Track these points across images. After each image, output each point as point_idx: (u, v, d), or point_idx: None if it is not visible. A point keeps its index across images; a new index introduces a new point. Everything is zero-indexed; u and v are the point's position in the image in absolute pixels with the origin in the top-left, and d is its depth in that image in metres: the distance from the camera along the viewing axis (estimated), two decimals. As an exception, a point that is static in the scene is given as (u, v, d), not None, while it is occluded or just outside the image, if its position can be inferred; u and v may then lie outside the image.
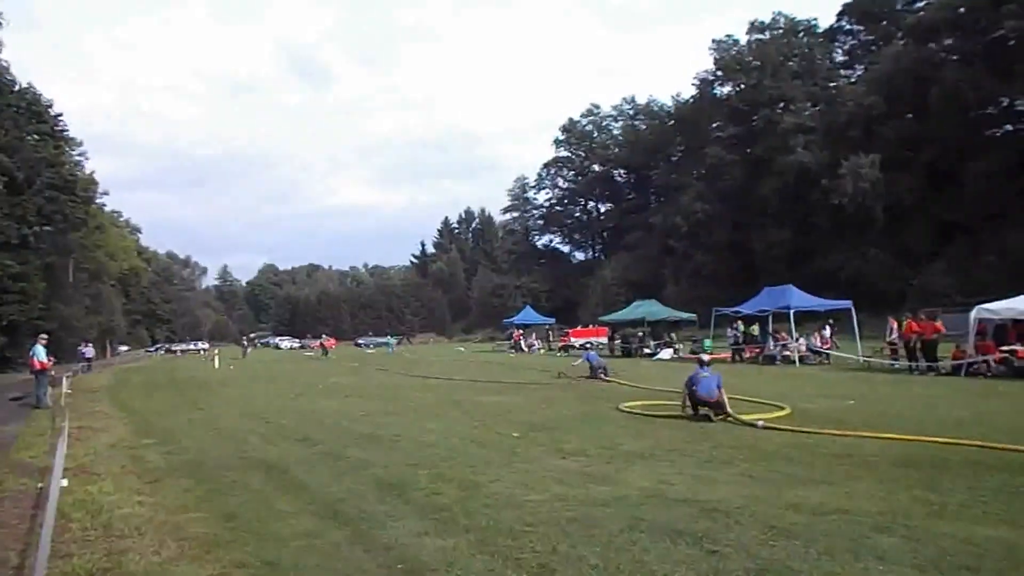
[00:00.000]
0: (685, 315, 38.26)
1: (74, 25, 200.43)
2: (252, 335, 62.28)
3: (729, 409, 10.83)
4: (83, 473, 8.28)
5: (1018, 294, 18.85)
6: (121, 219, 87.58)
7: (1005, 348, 17.54)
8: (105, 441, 10.99)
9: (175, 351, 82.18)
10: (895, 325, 22.47)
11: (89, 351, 40.26)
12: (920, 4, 54.19)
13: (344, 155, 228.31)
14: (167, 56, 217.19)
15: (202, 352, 72.38)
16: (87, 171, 56.82)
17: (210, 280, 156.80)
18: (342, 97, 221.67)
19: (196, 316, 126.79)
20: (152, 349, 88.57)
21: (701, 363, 11.72)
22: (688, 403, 11.26)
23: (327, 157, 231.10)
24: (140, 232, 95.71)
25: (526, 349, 44.11)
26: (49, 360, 17.63)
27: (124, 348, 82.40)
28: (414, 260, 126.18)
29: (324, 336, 57.30)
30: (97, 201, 59.78)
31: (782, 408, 11.53)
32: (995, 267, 39.71)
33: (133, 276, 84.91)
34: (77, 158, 55.84)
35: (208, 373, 30.88)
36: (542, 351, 43.15)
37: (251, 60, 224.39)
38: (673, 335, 34.69)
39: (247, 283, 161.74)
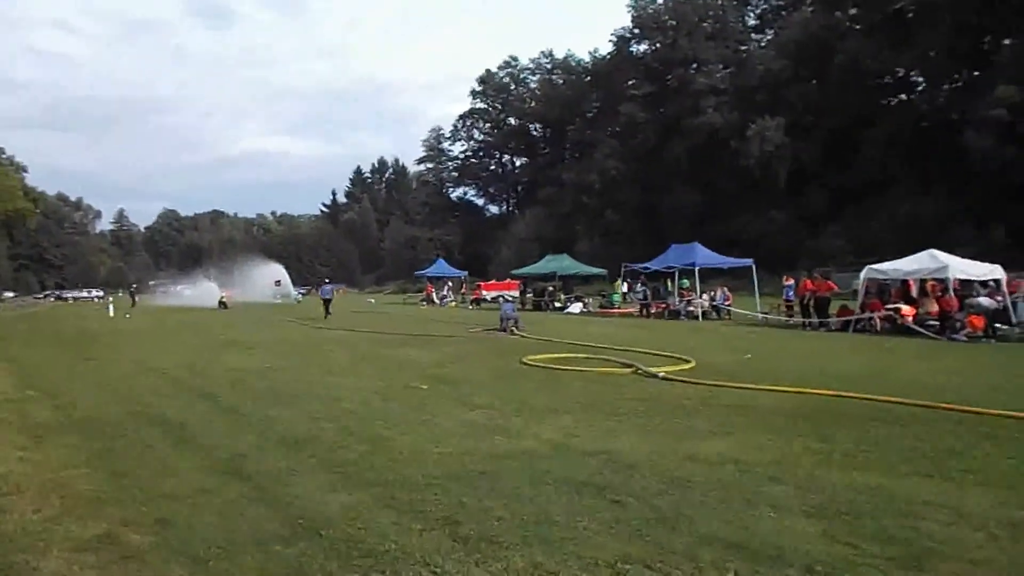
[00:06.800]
0: (595, 270, 38.96)
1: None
2: (135, 285, 59.25)
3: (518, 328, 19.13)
4: (-44, 429, 7.71)
5: (906, 255, 20.04)
6: (3, 157, 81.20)
7: (890, 306, 18.65)
8: (-17, 394, 10.28)
9: (67, 298, 77.80)
10: (792, 283, 23.58)
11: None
12: (828, -28, 55.70)
13: (250, 103, 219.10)
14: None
15: (96, 300, 68.80)
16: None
17: (105, 225, 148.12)
18: (247, 42, 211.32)
19: (89, 262, 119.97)
20: (42, 296, 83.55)
21: (505, 300, 19.81)
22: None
23: (231, 104, 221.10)
24: (26, 172, 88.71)
25: (438, 302, 43.96)
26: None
27: (10, 295, 77.46)
28: (324, 209, 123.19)
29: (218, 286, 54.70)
30: (-26, 137, 54.94)
31: (688, 361, 11.90)
32: (884, 230, 42.02)
33: (18, 218, 79.16)
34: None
35: (102, 323, 29.38)
36: (454, 304, 43.13)
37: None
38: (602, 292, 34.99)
39: (146, 228, 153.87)
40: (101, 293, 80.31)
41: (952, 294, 17.40)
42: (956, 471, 5.50)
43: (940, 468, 5.59)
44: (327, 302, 30.29)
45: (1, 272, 70.46)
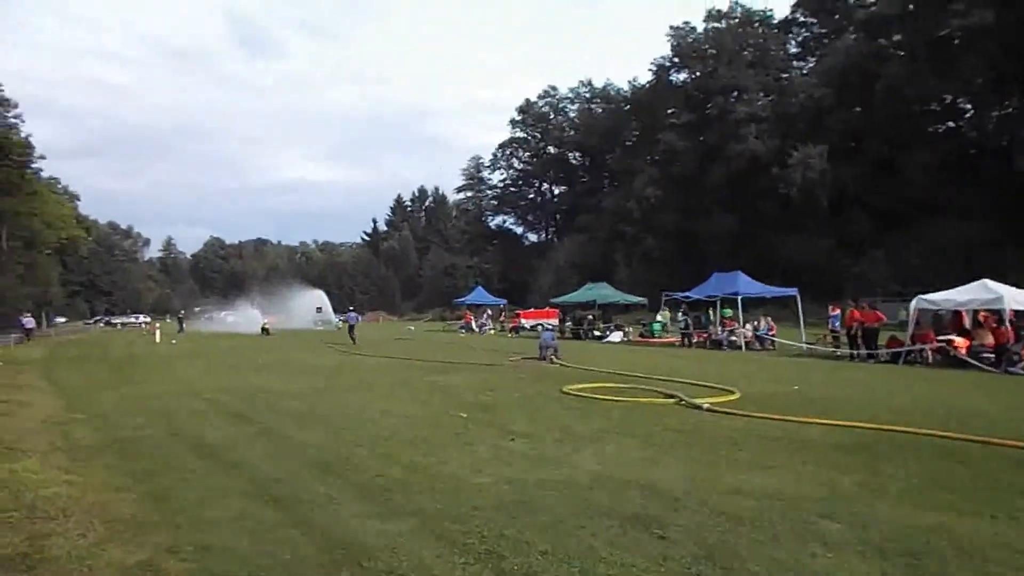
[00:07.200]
0: (635, 299, 38.62)
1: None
2: (183, 311, 60.65)
3: (557, 357, 18.90)
4: (7, 450, 7.86)
5: (951, 285, 19.44)
6: (59, 186, 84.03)
7: (942, 338, 18.04)
8: (33, 417, 10.50)
9: (115, 324, 79.78)
10: (838, 312, 23.04)
11: (29, 322, 39.54)
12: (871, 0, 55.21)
13: (293, 129, 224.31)
14: (104, 20, 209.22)
15: (143, 326, 70.41)
16: (22, 134, 54.21)
17: (153, 252, 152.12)
18: (290, 70, 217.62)
19: (138, 288, 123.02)
20: (91, 321, 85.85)
21: (544, 328, 21.21)
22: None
23: (275, 131, 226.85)
24: (79, 200, 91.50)
25: (477, 329, 43.94)
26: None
27: (61, 320, 79.69)
28: (365, 237, 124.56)
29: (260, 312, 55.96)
30: (33, 166, 57.03)
31: (732, 392, 11.64)
32: (928, 258, 41.01)
33: (71, 246, 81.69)
34: (12, 120, 53.37)
35: (147, 348, 29.99)
36: (493, 332, 43.07)
37: (194, 27, 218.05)
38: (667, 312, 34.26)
39: (192, 256, 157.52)
40: (148, 319, 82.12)
41: (1008, 325, 16.79)
42: (1021, 511, 5.22)
43: (1004, 507, 5.31)
44: (351, 328, 32.39)
45: (54, 298, 72.64)
